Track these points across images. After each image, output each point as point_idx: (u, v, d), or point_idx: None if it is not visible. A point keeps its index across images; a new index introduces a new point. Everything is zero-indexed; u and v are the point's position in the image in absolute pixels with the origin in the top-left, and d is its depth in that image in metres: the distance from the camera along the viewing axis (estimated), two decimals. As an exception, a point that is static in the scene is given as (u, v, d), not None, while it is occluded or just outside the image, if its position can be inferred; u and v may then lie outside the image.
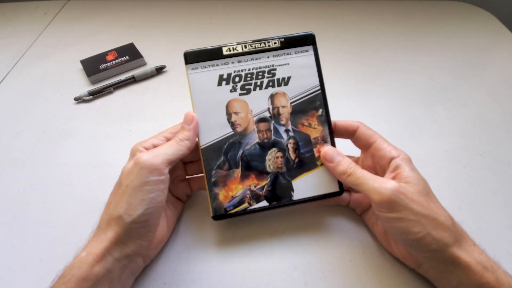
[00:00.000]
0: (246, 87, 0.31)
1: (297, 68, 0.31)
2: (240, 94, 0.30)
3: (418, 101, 0.47)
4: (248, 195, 0.30)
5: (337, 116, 0.41)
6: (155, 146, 0.29)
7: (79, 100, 0.47)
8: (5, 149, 0.41)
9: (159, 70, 0.52)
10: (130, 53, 0.54)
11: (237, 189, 0.30)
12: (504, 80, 0.51)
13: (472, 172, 0.38)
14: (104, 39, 0.58)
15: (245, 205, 0.29)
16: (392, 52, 0.56)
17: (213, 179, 0.29)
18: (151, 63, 0.54)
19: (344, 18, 0.65)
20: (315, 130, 0.31)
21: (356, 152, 0.33)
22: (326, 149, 0.30)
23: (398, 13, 0.66)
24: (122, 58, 0.52)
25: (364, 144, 0.31)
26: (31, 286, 0.30)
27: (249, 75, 0.31)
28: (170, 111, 0.45)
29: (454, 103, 0.47)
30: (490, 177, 0.38)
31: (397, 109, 0.46)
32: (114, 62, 0.52)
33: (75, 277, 0.23)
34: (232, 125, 0.30)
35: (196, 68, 0.30)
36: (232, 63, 0.31)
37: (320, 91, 0.31)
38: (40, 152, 0.41)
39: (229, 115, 0.30)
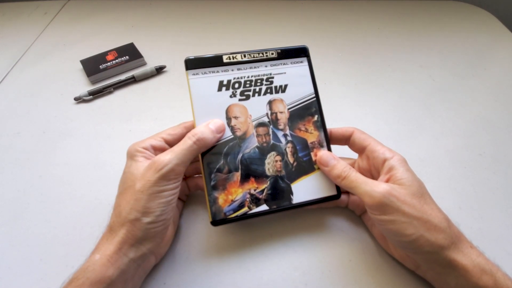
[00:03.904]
0: (246, 93, 0.31)
1: (293, 77, 0.32)
2: (240, 100, 0.31)
3: (418, 101, 0.47)
4: (248, 199, 0.30)
5: (337, 116, 0.41)
6: (153, 146, 0.29)
7: (79, 100, 0.47)
8: (5, 149, 0.41)
9: (159, 70, 0.52)
10: (130, 53, 0.53)
11: (236, 192, 0.29)
12: (504, 80, 0.51)
13: (472, 172, 0.38)
14: (104, 39, 0.58)
15: (245, 209, 0.29)
16: (392, 52, 0.56)
17: (212, 183, 0.29)
18: (151, 63, 0.54)
19: (344, 18, 0.65)
20: (311, 135, 0.32)
21: (355, 155, 0.33)
22: (322, 153, 0.31)
23: (398, 13, 0.66)
24: (122, 58, 0.52)
25: (359, 147, 0.31)
26: (31, 286, 0.29)
27: (248, 82, 0.31)
28: (170, 111, 0.45)
29: (454, 103, 0.47)
30: (490, 177, 0.38)
31: (397, 109, 0.46)
32: (114, 62, 0.52)
33: (89, 280, 0.23)
34: (232, 129, 0.30)
35: (196, 74, 0.31)
36: (232, 70, 0.31)
37: (315, 98, 0.32)
38: (40, 152, 0.41)
39: (228, 119, 0.30)
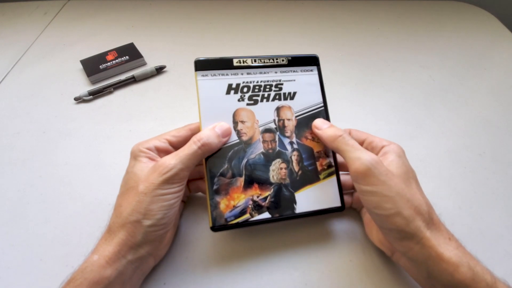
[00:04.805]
0: (254, 98, 0.31)
1: (302, 85, 0.32)
2: (248, 104, 0.31)
3: (418, 101, 0.47)
4: (250, 205, 0.29)
5: (337, 116, 0.40)
6: (156, 148, 0.29)
7: (79, 100, 0.47)
8: (5, 149, 0.41)
9: (159, 70, 0.52)
10: (130, 53, 0.53)
11: (239, 198, 0.29)
12: (504, 80, 0.51)
13: (472, 172, 0.38)
14: (104, 39, 0.58)
15: (247, 215, 0.29)
16: (392, 52, 0.56)
17: (215, 187, 0.29)
18: (151, 63, 0.54)
19: (344, 18, 0.65)
20: (318, 144, 0.31)
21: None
22: (317, 119, 0.31)
23: (398, 13, 0.66)
24: (122, 58, 0.52)
25: (358, 141, 0.31)
26: (31, 286, 0.29)
27: (257, 87, 0.31)
28: (170, 111, 0.46)
29: (454, 103, 0.47)
30: (490, 177, 0.38)
31: (397, 109, 0.46)
32: (114, 62, 0.52)
33: (87, 281, 0.23)
34: (238, 133, 0.30)
35: (206, 76, 0.30)
36: (242, 74, 0.31)
37: (323, 108, 0.32)
38: (40, 152, 0.41)
39: (235, 123, 0.30)
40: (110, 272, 0.24)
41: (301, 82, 0.32)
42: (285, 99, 0.32)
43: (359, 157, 0.26)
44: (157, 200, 0.25)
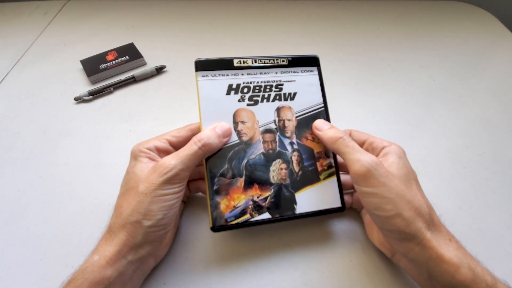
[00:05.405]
0: (254, 98, 0.31)
1: (302, 85, 0.32)
2: (248, 105, 0.31)
3: (418, 101, 0.47)
4: (250, 206, 0.29)
5: (337, 116, 0.41)
6: (157, 148, 0.29)
7: (79, 100, 0.47)
8: (5, 149, 0.41)
9: (159, 70, 0.52)
10: (130, 53, 0.53)
11: (239, 198, 0.29)
12: (504, 80, 0.51)
13: (472, 172, 0.38)
14: (104, 39, 0.58)
15: (247, 216, 0.29)
16: (392, 52, 0.56)
17: (215, 187, 0.29)
18: (151, 63, 0.54)
19: (344, 18, 0.65)
20: (318, 145, 0.31)
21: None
22: (317, 120, 0.31)
23: (398, 13, 0.66)
24: (122, 58, 0.52)
25: (358, 142, 0.31)
26: (31, 286, 0.29)
27: (257, 88, 0.31)
28: (170, 111, 0.46)
29: (454, 103, 0.47)
30: (490, 177, 0.38)
31: (397, 109, 0.46)
32: (114, 62, 0.52)
33: (88, 281, 0.23)
34: (238, 133, 0.30)
35: (206, 76, 0.30)
36: (242, 74, 0.31)
37: (323, 108, 0.32)
38: (40, 152, 0.41)
39: (235, 123, 0.30)
40: (110, 273, 0.24)
41: (301, 82, 0.32)
42: (286, 99, 0.32)
43: (359, 159, 0.26)
44: (157, 201, 0.25)
